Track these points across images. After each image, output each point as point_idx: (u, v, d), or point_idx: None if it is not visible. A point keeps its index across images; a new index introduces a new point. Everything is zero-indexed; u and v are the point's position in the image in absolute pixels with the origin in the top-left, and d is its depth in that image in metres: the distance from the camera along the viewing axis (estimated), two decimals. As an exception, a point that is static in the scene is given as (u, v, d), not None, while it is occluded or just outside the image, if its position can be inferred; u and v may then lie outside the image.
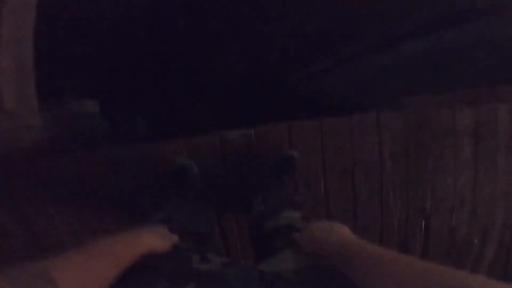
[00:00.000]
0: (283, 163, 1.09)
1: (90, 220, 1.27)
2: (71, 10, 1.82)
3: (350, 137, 1.19)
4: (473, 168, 1.46)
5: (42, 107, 1.33)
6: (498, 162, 1.51)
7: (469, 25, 1.07)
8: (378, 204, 1.38)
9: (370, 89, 1.23)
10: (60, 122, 1.35)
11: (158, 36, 1.76)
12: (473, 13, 1.05)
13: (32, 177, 1.25)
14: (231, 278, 0.49)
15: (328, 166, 1.20)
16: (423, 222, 1.53)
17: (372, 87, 1.25)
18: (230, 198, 1.25)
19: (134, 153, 1.17)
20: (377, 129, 1.21)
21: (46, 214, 1.25)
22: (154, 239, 0.52)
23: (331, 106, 1.23)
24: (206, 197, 1.24)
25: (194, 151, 1.13)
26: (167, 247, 0.54)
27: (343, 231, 0.52)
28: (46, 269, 0.30)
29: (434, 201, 1.48)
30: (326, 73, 1.49)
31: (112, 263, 0.40)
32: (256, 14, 1.68)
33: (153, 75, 1.70)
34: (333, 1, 1.54)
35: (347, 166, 1.23)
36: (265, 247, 0.76)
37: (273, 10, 1.64)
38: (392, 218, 1.46)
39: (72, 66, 1.64)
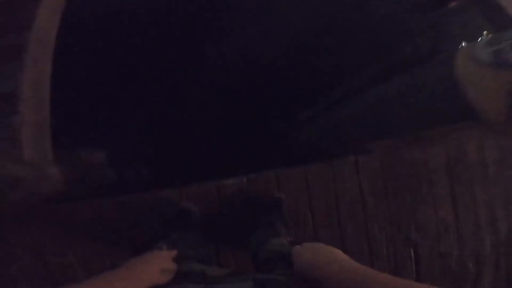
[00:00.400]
0: (271, 204, 1.23)
1: (102, 256, 1.41)
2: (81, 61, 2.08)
3: (332, 180, 1.33)
4: (451, 200, 1.57)
5: (56, 158, 1.50)
6: (476, 192, 1.61)
7: (415, 72, 1.23)
8: (365, 236, 1.48)
9: (342, 136, 1.41)
10: (73, 172, 1.52)
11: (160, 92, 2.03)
12: (416, 60, 1.22)
13: (51, 219, 1.42)
14: (226, 281, 0.58)
15: (314, 204, 1.34)
16: (412, 250, 1.62)
17: (343, 134, 1.43)
18: (227, 235, 1.38)
19: (142, 199, 1.32)
20: (356, 171, 1.36)
21: (62, 252, 1.39)
22: (157, 276, 0.56)
23: (313, 150, 1.39)
24: (206, 234, 1.37)
25: (195, 196, 1.28)
26: (169, 279, 0.59)
27: (338, 255, 0.52)
28: None
29: (418, 231, 1.57)
30: (307, 123, 1.69)
31: None
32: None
33: (156, 130, 1.94)
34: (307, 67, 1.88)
35: (331, 204, 1.36)
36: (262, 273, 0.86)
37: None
38: (380, 248, 1.56)
39: (81, 121, 1.88)
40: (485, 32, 1.00)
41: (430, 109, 1.07)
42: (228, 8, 2.42)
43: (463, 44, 1.09)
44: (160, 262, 0.61)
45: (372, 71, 1.37)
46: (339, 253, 0.54)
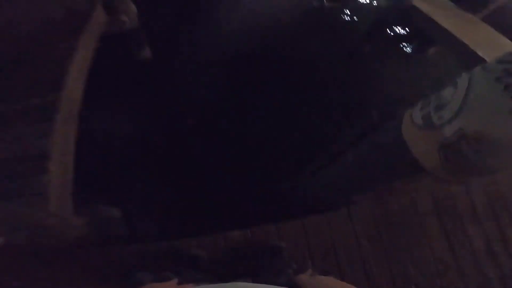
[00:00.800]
0: (273, 251, 1.36)
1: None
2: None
3: (328, 228, 1.46)
4: (445, 238, 1.64)
5: (78, 211, 1.69)
6: (469, 232, 1.68)
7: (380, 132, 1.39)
8: (364, 276, 1.53)
9: (333, 193, 1.60)
10: (92, 224, 1.71)
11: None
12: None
13: (70, 261, 1.57)
14: None
15: (313, 250, 1.44)
16: (413, 287, 1.66)
17: (333, 191, 1.61)
18: (232, 278, 1.49)
19: (157, 248, 1.46)
20: (350, 219, 1.48)
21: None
22: None
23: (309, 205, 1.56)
24: (214, 277, 1.48)
25: (204, 245, 1.42)
26: None
27: None
28: None
29: (417, 268, 1.61)
30: (300, 185, 1.93)
31: None
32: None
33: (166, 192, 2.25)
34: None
35: (329, 249, 1.46)
36: None
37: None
38: (380, 286, 1.62)
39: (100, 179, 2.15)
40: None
41: (390, 166, 1.22)
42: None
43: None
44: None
45: (352, 133, 1.56)
46: None
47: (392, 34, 3.10)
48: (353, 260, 1.51)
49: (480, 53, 2.07)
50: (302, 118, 2.49)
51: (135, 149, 2.37)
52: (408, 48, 2.93)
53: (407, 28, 3.02)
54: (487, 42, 2.12)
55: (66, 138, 2.00)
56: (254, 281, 1.18)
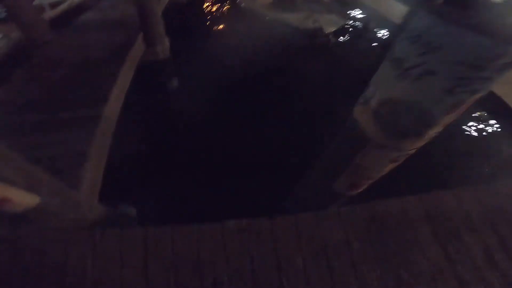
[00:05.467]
0: None
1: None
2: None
3: (319, 227, 1.54)
4: (439, 245, 1.64)
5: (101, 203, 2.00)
6: (465, 239, 1.67)
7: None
8: (354, 277, 1.53)
9: (317, 185, 1.82)
10: (110, 215, 1.99)
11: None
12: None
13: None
14: None
15: (303, 248, 1.51)
16: (408, 291, 1.63)
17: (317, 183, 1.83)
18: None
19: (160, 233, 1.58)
20: (339, 220, 1.55)
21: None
22: None
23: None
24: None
25: (204, 233, 1.57)
26: None
27: None
28: None
29: (409, 271, 1.59)
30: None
31: None
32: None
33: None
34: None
35: (319, 248, 1.53)
36: None
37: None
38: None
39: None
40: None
41: (350, 142, 1.51)
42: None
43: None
44: None
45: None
46: None
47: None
48: (344, 262, 1.54)
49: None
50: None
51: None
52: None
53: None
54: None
55: (103, 144, 2.41)
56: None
